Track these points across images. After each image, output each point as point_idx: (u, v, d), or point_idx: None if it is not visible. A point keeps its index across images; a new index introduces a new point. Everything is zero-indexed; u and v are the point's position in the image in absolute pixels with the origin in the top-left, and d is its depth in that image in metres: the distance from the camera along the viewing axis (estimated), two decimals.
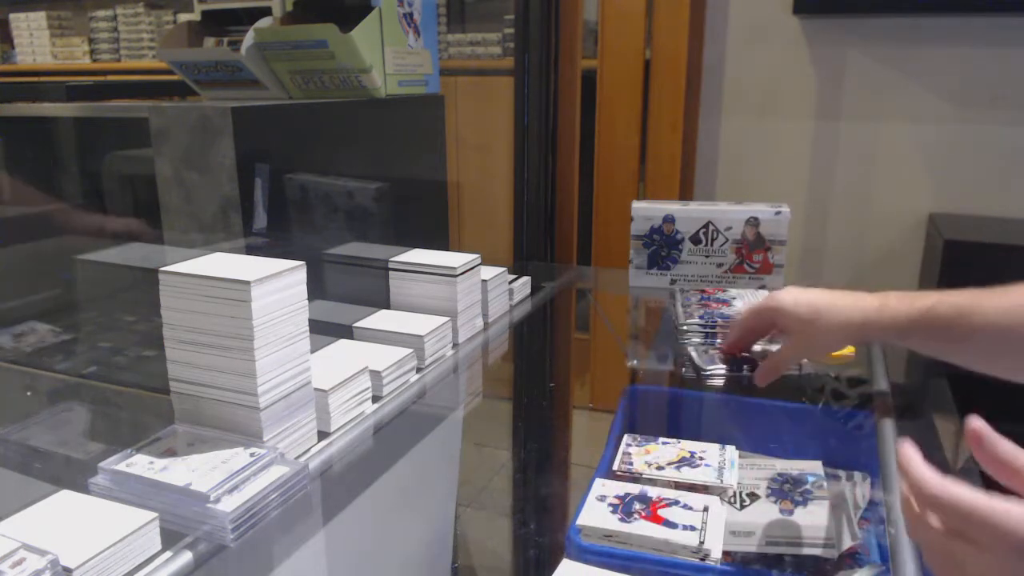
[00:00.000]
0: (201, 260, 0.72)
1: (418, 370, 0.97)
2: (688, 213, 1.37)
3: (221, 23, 1.43)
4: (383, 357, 0.91)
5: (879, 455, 0.80)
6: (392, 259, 1.08)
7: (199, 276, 0.68)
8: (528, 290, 1.30)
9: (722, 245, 1.36)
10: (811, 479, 0.83)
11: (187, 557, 0.60)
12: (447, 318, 1.03)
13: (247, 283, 0.66)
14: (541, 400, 1.18)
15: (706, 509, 0.70)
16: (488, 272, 1.14)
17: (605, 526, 0.68)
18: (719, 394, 0.99)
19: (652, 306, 1.43)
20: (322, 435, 0.79)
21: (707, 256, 1.37)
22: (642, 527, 0.68)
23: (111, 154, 1.31)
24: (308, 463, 0.73)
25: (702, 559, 0.65)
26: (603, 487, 0.74)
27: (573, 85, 1.92)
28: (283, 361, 0.71)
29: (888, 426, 0.86)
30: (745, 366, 0.95)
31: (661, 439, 0.86)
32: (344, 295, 1.14)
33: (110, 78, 3.47)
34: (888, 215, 2.07)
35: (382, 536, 0.84)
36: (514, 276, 1.25)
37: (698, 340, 1.13)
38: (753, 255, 1.36)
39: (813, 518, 0.77)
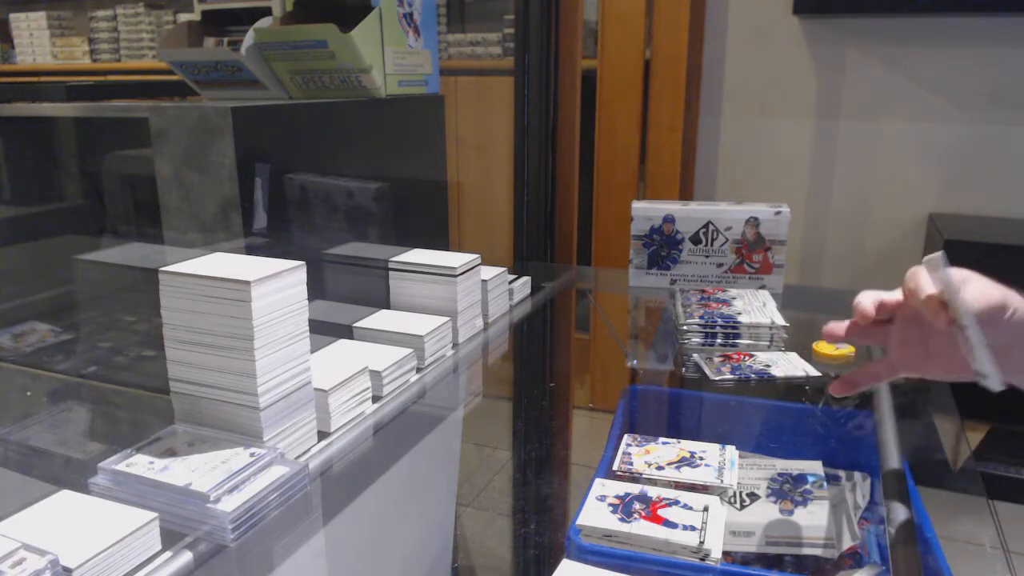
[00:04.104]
0: (201, 260, 0.72)
1: (418, 370, 0.97)
2: (688, 213, 1.37)
3: (221, 23, 1.43)
4: (383, 357, 0.91)
5: (879, 455, 0.80)
6: (392, 259, 1.08)
7: (199, 276, 0.68)
8: (528, 290, 1.30)
9: (722, 245, 1.36)
10: (811, 479, 0.83)
11: (187, 557, 0.60)
12: (447, 318, 1.03)
13: (247, 283, 0.66)
14: (541, 400, 1.18)
15: (706, 509, 0.70)
16: (488, 272, 1.14)
17: (605, 526, 0.68)
18: (719, 394, 0.99)
19: (652, 306, 1.43)
20: (322, 435, 0.79)
21: (707, 256, 1.37)
22: (642, 527, 0.68)
23: (111, 154, 1.31)
24: (308, 463, 0.73)
25: (702, 559, 0.65)
26: (603, 487, 0.74)
27: (573, 85, 1.92)
28: (283, 361, 0.71)
29: (888, 426, 0.85)
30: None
31: (661, 439, 0.86)
32: (344, 295, 1.14)
33: (110, 78, 3.47)
34: (888, 215, 2.07)
35: (382, 536, 0.84)
36: (514, 276, 1.25)
37: (698, 340, 1.13)
38: (753, 255, 1.36)
39: (813, 518, 0.77)
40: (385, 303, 1.09)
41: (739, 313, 1.16)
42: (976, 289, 0.58)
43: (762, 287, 1.35)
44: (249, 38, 1.27)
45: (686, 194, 2.24)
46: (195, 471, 0.65)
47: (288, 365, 0.72)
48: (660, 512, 0.70)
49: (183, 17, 3.31)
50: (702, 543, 0.65)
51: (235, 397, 0.70)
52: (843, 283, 2.13)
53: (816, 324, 1.37)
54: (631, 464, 0.81)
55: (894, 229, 2.07)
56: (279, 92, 1.35)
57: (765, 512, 0.79)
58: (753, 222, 1.34)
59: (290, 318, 0.71)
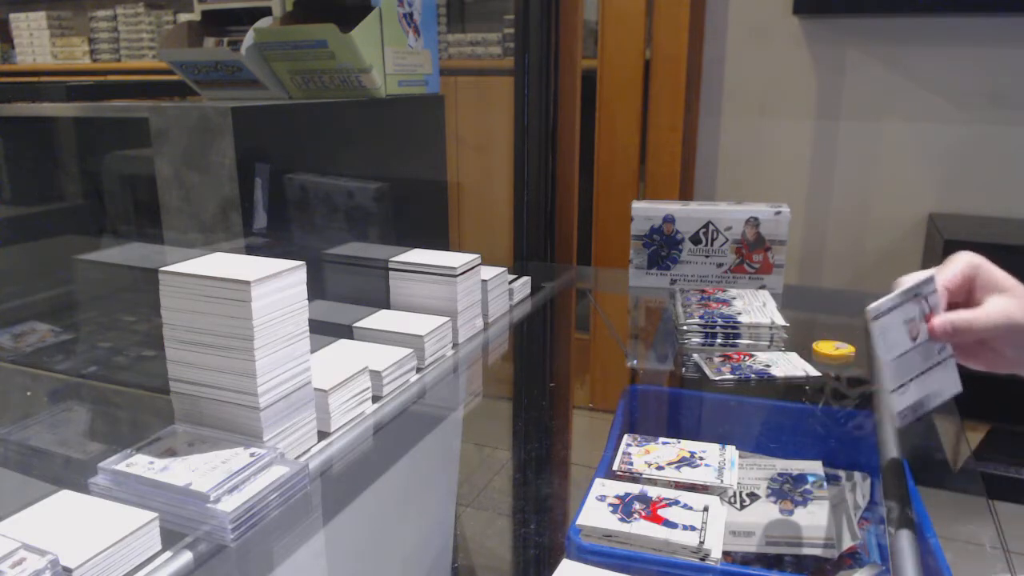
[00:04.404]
0: (201, 260, 0.72)
1: (418, 370, 0.97)
2: (688, 213, 1.37)
3: (221, 23, 1.43)
4: (383, 357, 0.91)
5: (879, 455, 0.80)
6: (392, 259, 1.08)
7: (199, 276, 0.68)
8: (528, 290, 1.30)
9: (722, 245, 1.36)
10: (811, 479, 0.83)
11: (187, 557, 0.60)
12: (447, 318, 1.03)
13: (247, 283, 0.66)
14: (541, 400, 1.18)
15: (706, 509, 0.70)
16: (488, 272, 1.14)
17: (605, 526, 0.68)
18: (719, 394, 0.99)
19: (652, 306, 1.43)
20: (322, 435, 0.79)
21: (707, 256, 1.37)
22: (642, 527, 0.68)
23: (111, 154, 1.31)
24: (308, 463, 0.73)
25: (702, 559, 0.65)
26: (603, 487, 0.74)
27: (573, 85, 1.92)
28: (283, 361, 0.71)
29: (888, 426, 0.85)
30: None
31: (661, 439, 0.86)
32: (344, 295, 1.14)
33: (110, 78, 3.47)
34: (888, 215, 2.07)
35: (382, 536, 0.84)
36: (514, 276, 1.25)
37: (698, 340, 1.13)
38: (753, 255, 1.36)
39: (813, 518, 0.77)
40: (385, 303, 1.09)
41: (739, 313, 1.16)
42: (991, 307, 0.62)
43: (762, 287, 1.35)
44: (249, 38, 1.27)
45: (686, 194, 2.24)
46: (195, 471, 0.65)
47: (288, 365, 0.72)
48: (660, 512, 0.70)
49: (183, 17, 3.31)
50: (702, 543, 0.65)
51: (235, 397, 0.70)
52: (843, 283, 2.13)
53: (816, 324, 1.37)
54: (631, 464, 0.81)
55: (894, 229, 2.07)
56: (279, 92, 1.35)
57: (765, 512, 0.79)
58: (753, 222, 1.34)
59: (290, 318, 0.71)
